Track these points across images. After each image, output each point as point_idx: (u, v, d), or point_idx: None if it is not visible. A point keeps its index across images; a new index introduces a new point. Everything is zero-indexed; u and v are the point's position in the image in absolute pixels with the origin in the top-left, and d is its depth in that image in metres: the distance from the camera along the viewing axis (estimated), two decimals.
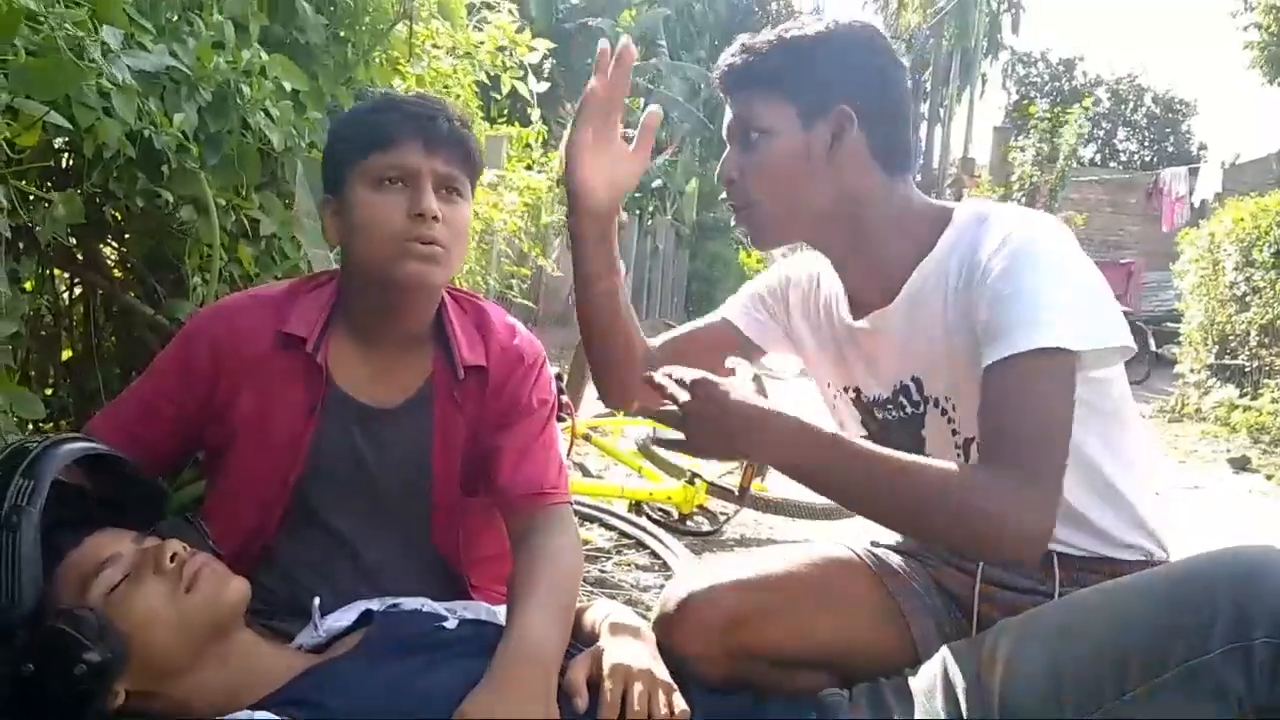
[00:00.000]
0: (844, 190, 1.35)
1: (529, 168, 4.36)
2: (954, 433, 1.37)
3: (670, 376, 1.23)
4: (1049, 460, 1.15)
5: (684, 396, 1.21)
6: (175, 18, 1.73)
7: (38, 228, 1.56)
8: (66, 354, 2.15)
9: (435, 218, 1.37)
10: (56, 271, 2.04)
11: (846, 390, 1.51)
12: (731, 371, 1.33)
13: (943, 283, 1.32)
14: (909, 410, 1.41)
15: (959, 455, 1.38)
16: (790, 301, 1.59)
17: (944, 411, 1.37)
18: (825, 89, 1.32)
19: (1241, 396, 7.43)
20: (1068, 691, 1.10)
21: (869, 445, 1.21)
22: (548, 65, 3.20)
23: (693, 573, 1.57)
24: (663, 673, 1.24)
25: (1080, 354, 1.19)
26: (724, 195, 1.41)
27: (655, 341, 1.63)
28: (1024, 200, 15.93)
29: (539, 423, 1.51)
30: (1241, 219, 7.36)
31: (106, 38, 1.44)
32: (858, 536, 1.64)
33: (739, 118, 1.37)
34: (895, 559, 1.56)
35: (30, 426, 1.78)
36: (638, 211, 15.49)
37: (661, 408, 1.24)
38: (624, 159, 1.41)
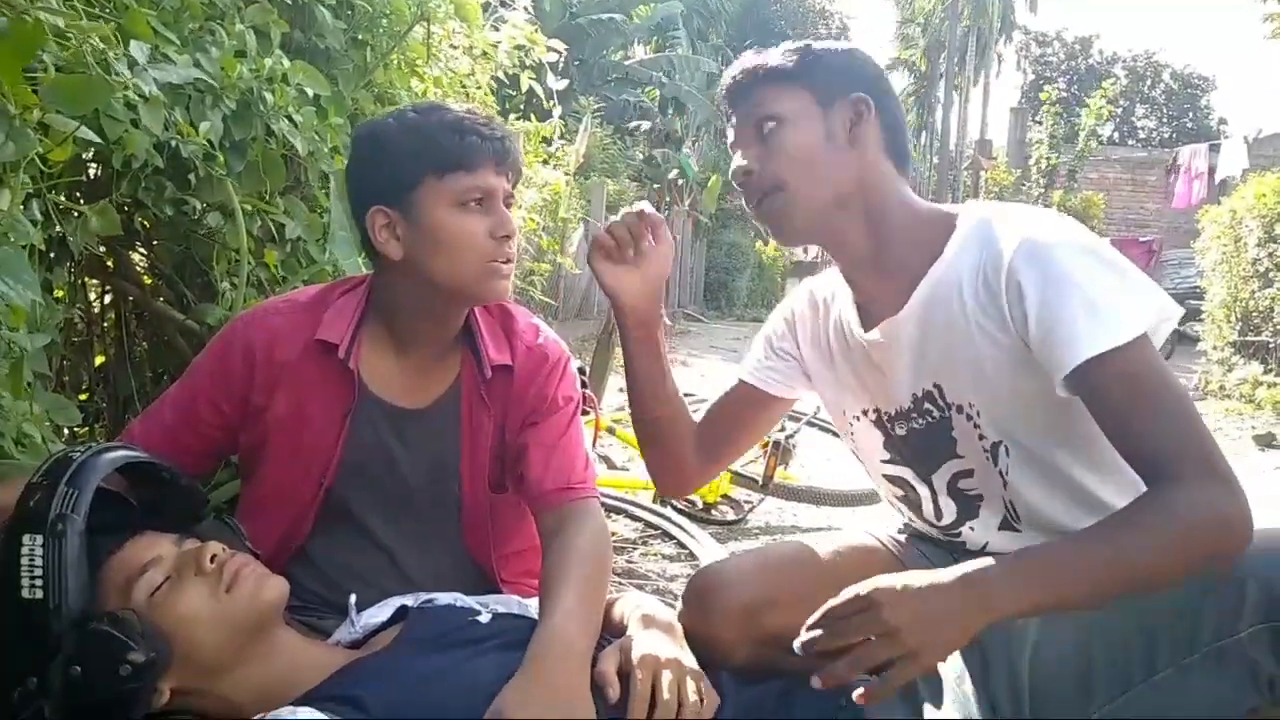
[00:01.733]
0: (864, 175, 1.35)
1: (545, 163, 4.36)
2: (981, 437, 1.36)
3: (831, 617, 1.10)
4: (1205, 443, 1.12)
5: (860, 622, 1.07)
6: (198, 28, 1.75)
7: (70, 238, 1.59)
8: (99, 360, 2.19)
9: (514, 235, 1.44)
10: (88, 280, 2.08)
11: (865, 413, 1.50)
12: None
13: (956, 288, 1.30)
14: (936, 416, 1.39)
15: (988, 457, 1.37)
16: (799, 337, 1.58)
17: (969, 417, 1.35)
18: (840, 78, 1.35)
19: (1266, 373, 7.36)
20: (1097, 673, 1.10)
21: (1074, 537, 1.16)
22: (561, 62, 3.20)
23: (717, 561, 1.59)
24: (691, 661, 1.26)
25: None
26: (747, 197, 1.41)
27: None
28: (1043, 181, 15.82)
29: (565, 419, 1.54)
30: (1264, 194, 7.29)
31: (133, 52, 1.46)
32: (882, 523, 1.66)
33: (751, 115, 1.37)
34: (919, 546, 1.57)
35: (66, 432, 1.81)
36: (655, 204, 15.45)
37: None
38: (650, 255, 1.47)
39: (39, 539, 1.13)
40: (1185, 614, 1.09)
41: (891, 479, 1.53)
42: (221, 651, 1.20)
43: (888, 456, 1.51)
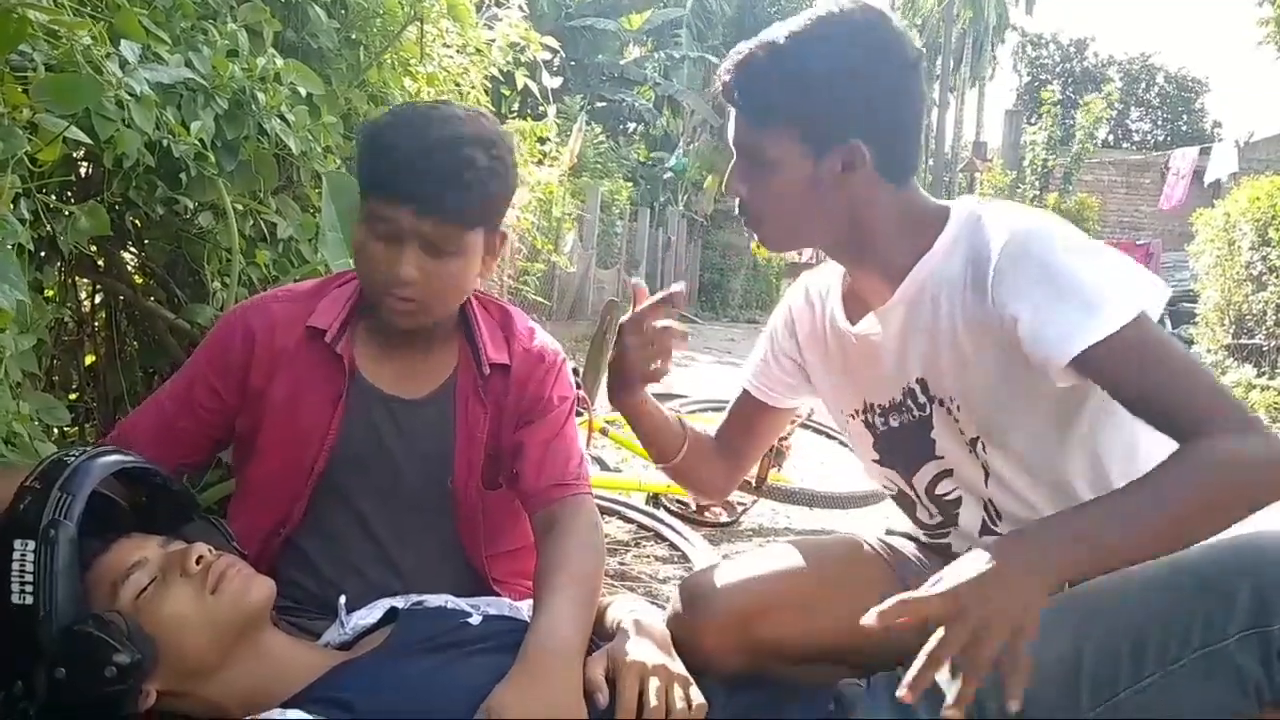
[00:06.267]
0: (854, 213, 1.33)
1: (540, 163, 4.36)
2: (960, 432, 1.37)
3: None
4: (1228, 396, 1.15)
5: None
6: (190, 27, 1.75)
7: (60, 238, 1.58)
8: (90, 360, 2.18)
9: (406, 282, 1.38)
10: (78, 279, 2.07)
11: (857, 413, 1.50)
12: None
13: (942, 283, 1.31)
14: (917, 414, 1.40)
15: (969, 450, 1.37)
16: (799, 335, 1.58)
17: (949, 411, 1.36)
18: (835, 123, 1.28)
19: (1259, 376, 7.37)
20: (1085, 678, 1.10)
21: (1117, 493, 1.15)
22: (557, 60, 3.20)
23: (706, 569, 1.59)
24: (680, 668, 1.26)
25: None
26: (736, 209, 1.41)
27: (711, 430, 1.69)
28: (1038, 184, 15.85)
29: (560, 418, 1.55)
30: (1257, 198, 7.31)
31: (124, 52, 1.46)
32: (873, 527, 1.66)
33: (745, 140, 1.34)
34: (909, 547, 1.57)
35: (56, 432, 1.81)
36: (650, 203, 15.47)
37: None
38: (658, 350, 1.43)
39: (30, 545, 1.12)
40: (1174, 619, 1.08)
41: (886, 479, 1.53)
42: (207, 653, 1.20)
43: (877, 456, 1.51)
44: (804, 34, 1.29)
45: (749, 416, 1.67)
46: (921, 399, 1.39)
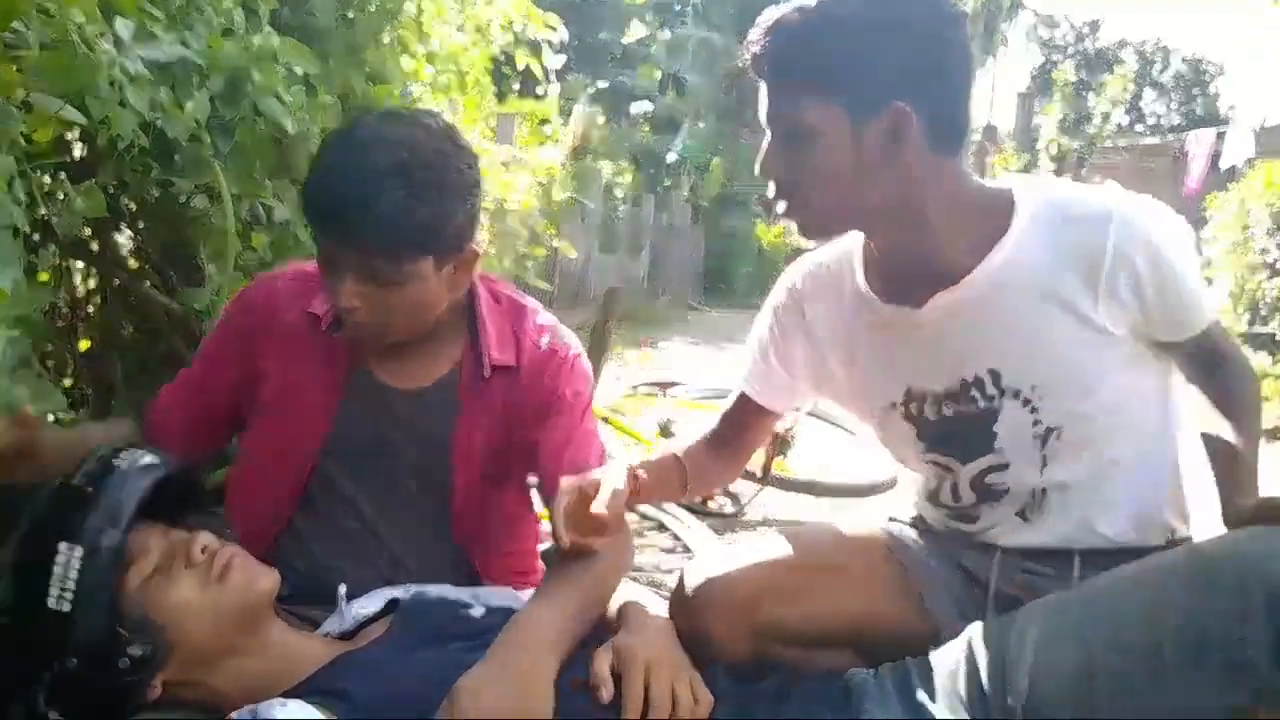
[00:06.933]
0: (902, 185, 1.26)
1: (542, 144, 4.33)
2: (1036, 423, 1.33)
3: None
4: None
5: None
6: (184, 4, 1.72)
7: (55, 220, 1.57)
8: (84, 344, 2.17)
9: (349, 309, 1.36)
10: (73, 263, 2.06)
11: (896, 405, 1.43)
12: None
13: (1032, 268, 1.27)
14: (981, 405, 1.35)
15: (1037, 444, 1.34)
16: (810, 318, 1.50)
17: (1026, 402, 1.32)
18: (877, 84, 1.21)
19: (1273, 365, 7.33)
20: (1100, 684, 1.08)
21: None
22: (558, 39, 3.17)
23: (708, 556, 1.58)
24: (684, 660, 1.24)
25: None
26: (771, 193, 1.32)
27: (706, 432, 1.64)
28: (1052, 167, 15.75)
29: (578, 414, 1.53)
30: (1272, 183, 7.25)
31: (119, 30, 1.44)
32: (877, 515, 1.64)
33: (780, 112, 1.27)
34: (911, 535, 1.55)
35: (50, 417, 1.79)
36: (654, 187, 15.43)
37: None
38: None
39: (78, 551, 1.10)
40: (1190, 618, 1.06)
41: (935, 464, 1.47)
42: (212, 643, 1.19)
43: (924, 446, 1.45)
44: None
45: (747, 419, 1.62)
46: (991, 390, 1.34)
